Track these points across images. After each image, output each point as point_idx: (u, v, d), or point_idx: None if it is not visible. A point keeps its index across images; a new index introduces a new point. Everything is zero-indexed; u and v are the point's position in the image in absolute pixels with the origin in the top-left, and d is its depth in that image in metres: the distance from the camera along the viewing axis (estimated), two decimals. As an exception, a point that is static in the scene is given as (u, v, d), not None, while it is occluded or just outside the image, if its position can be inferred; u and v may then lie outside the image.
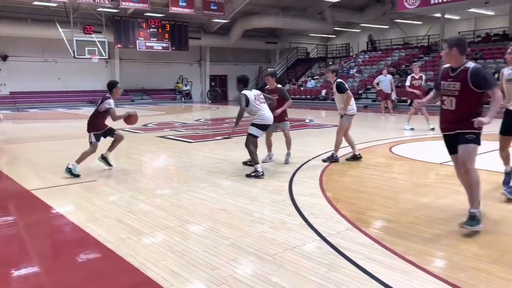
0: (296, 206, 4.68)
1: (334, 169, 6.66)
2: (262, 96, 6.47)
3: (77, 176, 6.24)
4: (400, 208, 4.56)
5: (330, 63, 31.53)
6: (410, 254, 3.30)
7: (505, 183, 5.02)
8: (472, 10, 24.08)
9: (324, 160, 7.09)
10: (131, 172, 6.75)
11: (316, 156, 7.59)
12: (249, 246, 3.54)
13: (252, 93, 6.32)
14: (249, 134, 6.32)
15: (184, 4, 24.19)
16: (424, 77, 12.04)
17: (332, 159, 7.04)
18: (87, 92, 27.11)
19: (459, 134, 3.82)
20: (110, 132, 6.79)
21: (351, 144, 7.18)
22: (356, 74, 25.61)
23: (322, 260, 3.23)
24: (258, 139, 6.43)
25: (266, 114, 6.30)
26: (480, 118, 3.65)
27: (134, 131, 12.33)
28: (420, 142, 9.41)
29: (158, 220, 4.28)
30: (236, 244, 3.60)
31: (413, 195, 4.99)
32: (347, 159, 7.16)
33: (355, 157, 7.14)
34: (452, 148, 3.98)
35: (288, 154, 7.09)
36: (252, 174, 6.10)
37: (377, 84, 15.82)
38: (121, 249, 3.53)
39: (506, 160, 5.07)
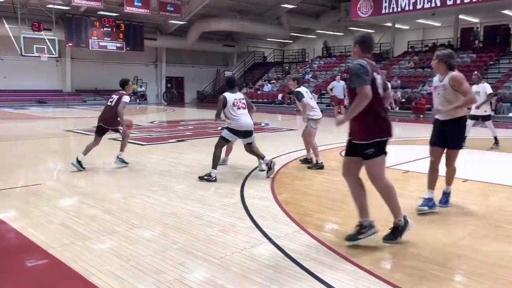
0: (246, 209, 4.72)
1: (286, 172, 6.78)
2: (244, 101, 6.33)
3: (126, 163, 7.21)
4: (347, 210, 4.71)
5: (287, 67, 32.05)
6: (353, 255, 3.43)
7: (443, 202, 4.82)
8: (420, 20, 25.28)
9: (309, 167, 7.03)
10: (80, 175, 6.55)
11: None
12: (197, 250, 3.54)
13: (233, 96, 6.19)
14: (221, 137, 6.34)
15: (140, 4, 23.77)
16: (389, 84, 12.26)
17: (317, 165, 6.99)
18: (36, 91, 25.98)
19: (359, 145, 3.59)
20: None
21: (307, 147, 7.30)
22: (311, 80, 26.15)
23: (268, 262, 3.29)
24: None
25: (242, 121, 6.15)
26: (337, 117, 3.61)
27: (85, 133, 11.96)
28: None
29: (105, 224, 4.19)
30: (184, 248, 3.59)
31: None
32: (301, 160, 7.32)
33: (306, 161, 7.29)
34: (349, 150, 3.75)
35: (260, 162, 6.68)
36: (205, 178, 6.09)
37: (331, 90, 16.26)
38: (64, 255, 3.43)
39: (432, 184, 4.70)
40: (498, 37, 24.72)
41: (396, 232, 3.70)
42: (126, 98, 7.04)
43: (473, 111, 8.80)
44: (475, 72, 9.63)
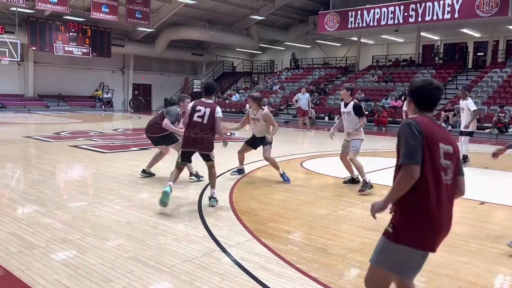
0: (202, 218, 4.77)
1: (246, 181, 6.87)
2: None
3: None
4: (300, 219, 4.84)
5: (256, 78, 32.33)
6: (300, 262, 3.54)
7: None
8: (384, 36, 26.13)
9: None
10: (35, 182, 6.41)
11: (232, 169, 7.74)
12: (149, 259, 3.56)
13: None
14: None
15: (107, 10, 23.46)
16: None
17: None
18: (-4, 95, 25.12)
19: None
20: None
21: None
22: (279, 90, 26.48)
23: (217, 270, 3.35)
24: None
25: None
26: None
27: (45, 140, 11.69)
28: (331, 157, 9.98)
29: (56, 233, 4.14)
30: (136, 256, 3.60)
31: (314, 208, 5.31)
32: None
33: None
34: None
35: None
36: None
37: (296, 101, 16.54)
38: (10, 263, 3.38)
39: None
40: (457, 54, 25.89)
41: None
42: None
43: (462, 128, 8.83)
44: (461, 87, 9.28)
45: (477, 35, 24.17)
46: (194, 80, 34.48)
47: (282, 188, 6.47)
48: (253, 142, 7.15)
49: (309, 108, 17.10)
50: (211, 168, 5.40)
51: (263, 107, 7.02)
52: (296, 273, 3.34)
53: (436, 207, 2.17)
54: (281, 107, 24.01)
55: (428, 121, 2.27)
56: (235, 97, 27.67)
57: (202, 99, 5.35)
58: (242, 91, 29.18)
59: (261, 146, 6.98)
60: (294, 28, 30.37)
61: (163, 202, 4.90)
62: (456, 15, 19.90)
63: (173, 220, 4.69)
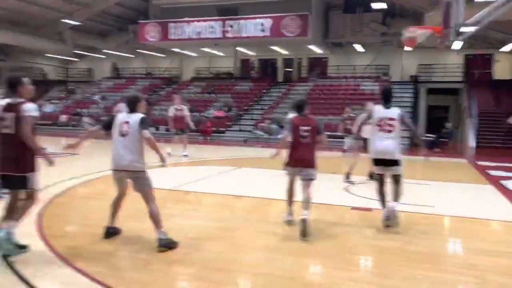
0: None
1: (60, 202, 6.18)
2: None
3: None
4: (121, 237, 4.56)
5: (71, 87, 29.84)
6: (122, 284, 3.31)
7: None
8: (206, 49, 27.13)
9: None
10: None
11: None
12: None
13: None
14: None
15: None
16: (185, 107, 12.61)
17: None
18: None
19: None
20: None
21: None
22: (100, 100, 24.96)
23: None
24: None
25: None
26: None
27: None
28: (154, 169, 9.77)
29: None
30: None
31: (136, 223, 5.08)
32: None
33: None
34: None
35: None
36: None
37: (118, 111, 15.87)
38: None
39: None
40: (269, 69, 28.61)
41: None
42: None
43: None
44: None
45: (285, 52, 27.11)
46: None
47: (103, 205, 5.98)
48: None
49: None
50: (28, 198, 4.01)
51: None
52: (115, 296, 3.11)
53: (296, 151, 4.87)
54: (103, 118, 22.66)
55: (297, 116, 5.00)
56: (49, 108, 24.93)
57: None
58: (58, 101, 26.54)
59: None
60: (114, 36, 29.09)
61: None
62: (268, 34, 21.96)
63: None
